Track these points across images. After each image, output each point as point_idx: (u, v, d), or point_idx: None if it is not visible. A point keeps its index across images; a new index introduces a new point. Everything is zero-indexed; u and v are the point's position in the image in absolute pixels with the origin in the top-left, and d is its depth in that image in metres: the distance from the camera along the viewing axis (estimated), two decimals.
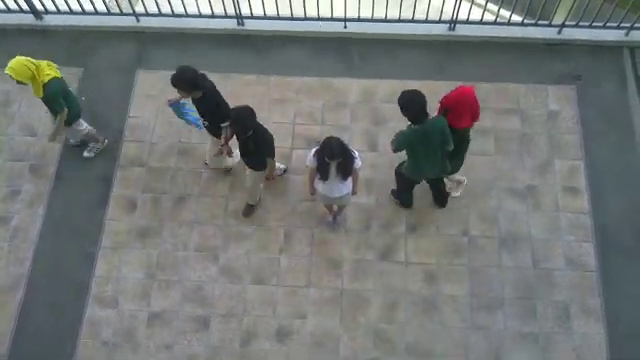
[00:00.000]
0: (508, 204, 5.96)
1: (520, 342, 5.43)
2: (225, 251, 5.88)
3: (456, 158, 5.31)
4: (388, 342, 5.48)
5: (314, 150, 4.95)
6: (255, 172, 5.52)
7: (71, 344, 5.56)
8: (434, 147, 4.97)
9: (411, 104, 4.77)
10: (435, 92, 6.47)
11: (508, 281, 5.65)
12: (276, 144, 6.28)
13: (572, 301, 5.56)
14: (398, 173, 5.61)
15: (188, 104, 5.51)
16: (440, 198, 5.90)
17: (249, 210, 5.99)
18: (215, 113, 5.27)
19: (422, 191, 6.00)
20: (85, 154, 6.31)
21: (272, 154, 5.23)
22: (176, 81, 5.01)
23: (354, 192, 5.36)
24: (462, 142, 5.15)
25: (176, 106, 5.54)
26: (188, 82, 5.03)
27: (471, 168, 6.10)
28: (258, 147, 5.11)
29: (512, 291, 5.61)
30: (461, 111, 4.91)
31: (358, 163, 4.98)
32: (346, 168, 4.93)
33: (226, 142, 5.47)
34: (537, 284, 5.63)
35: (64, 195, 6.18)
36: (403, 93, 4.83)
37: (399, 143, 5.02)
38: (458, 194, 5.99)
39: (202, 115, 5.38)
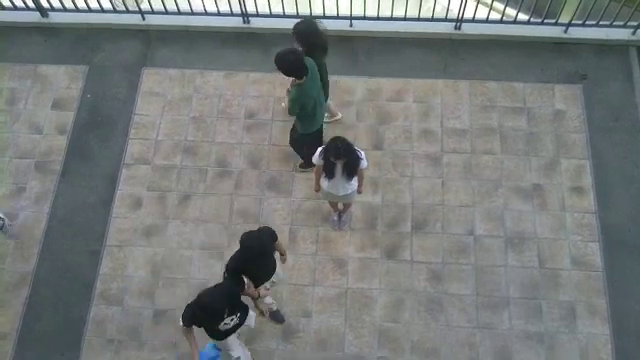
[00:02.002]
0: (514, 203, 5.95)
1: (526, 342, 5.42)
2: (230, 249, 5.83)
3: None
4: (393, 341, 5.47)
5: (321, 148, 4.95)
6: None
7: (76, 341, 5.57)
8: (319, 85, 5.23)
9: (291, 66, 4.94)
10: (440, 91, 6.51)
11: (514, 281, 5.64)
12: (283, 143, 6.32)
13: (578, 301, 5.54)
14: (298, 140, 5.74)
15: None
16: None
17: None
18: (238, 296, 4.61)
19: (427, 188, 6.01)
20: None
21: (276, 236, 4.72)
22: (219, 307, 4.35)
23: (359, 191, 5.36)
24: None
25: None
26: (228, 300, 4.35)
27: (477, 167, 6.10)
28: (271, 246, 4.65)
29: (518, 291, 5.60)
30: None
31: (364, 164, 4.97)
32: (352, 168, 4.92)
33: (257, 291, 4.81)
34: (543, 284, 5.61)
35: (70, 193, 6.18)
36: (278, 58, 4.93)
37: (299, 102, 5.12)
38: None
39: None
